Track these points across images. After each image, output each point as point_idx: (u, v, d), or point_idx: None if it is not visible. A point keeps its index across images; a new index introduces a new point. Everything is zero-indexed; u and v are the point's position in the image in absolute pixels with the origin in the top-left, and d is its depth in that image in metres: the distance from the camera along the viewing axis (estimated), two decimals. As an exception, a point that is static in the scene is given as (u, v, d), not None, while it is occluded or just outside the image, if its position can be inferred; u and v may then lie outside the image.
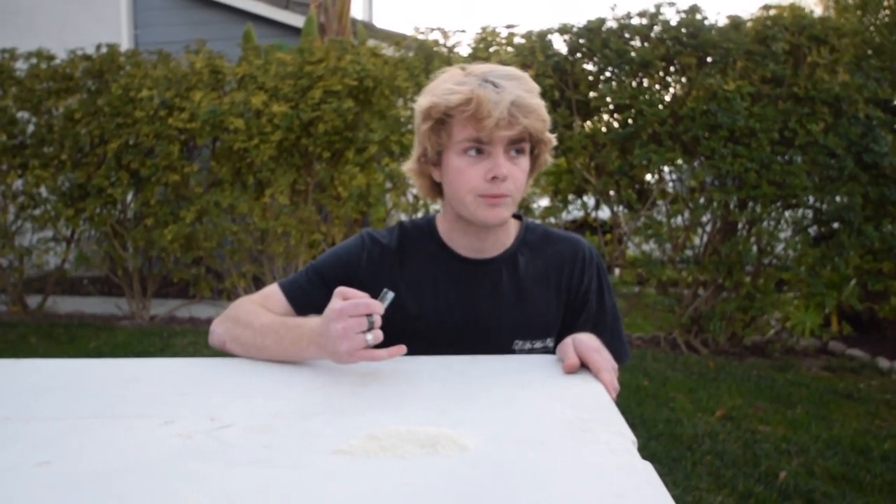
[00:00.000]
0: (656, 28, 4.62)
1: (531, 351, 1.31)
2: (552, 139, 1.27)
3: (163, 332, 5.20)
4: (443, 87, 1.21)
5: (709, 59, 4.55)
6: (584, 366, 1.12)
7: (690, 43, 4.50)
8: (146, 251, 5.58)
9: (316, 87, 4.83)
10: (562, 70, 4.66)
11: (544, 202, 5.06)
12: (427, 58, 4.86)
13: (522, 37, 4.88)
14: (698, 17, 4.58)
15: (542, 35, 4.81)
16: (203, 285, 5.45)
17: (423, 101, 1.23)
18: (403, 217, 4.96)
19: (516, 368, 1.17)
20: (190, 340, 4.92)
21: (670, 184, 5.01)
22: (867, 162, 4.39)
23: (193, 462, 0.79)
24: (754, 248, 4.67)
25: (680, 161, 4.56)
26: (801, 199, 4.53)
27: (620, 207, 4.94)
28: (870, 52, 4.73)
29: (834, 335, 4.91)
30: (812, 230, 4.84)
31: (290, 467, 0.78)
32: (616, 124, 4.74)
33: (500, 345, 1.30)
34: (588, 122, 4.82)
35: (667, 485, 0.74)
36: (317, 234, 5.03)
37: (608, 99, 4.59)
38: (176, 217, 5.23)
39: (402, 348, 1.09)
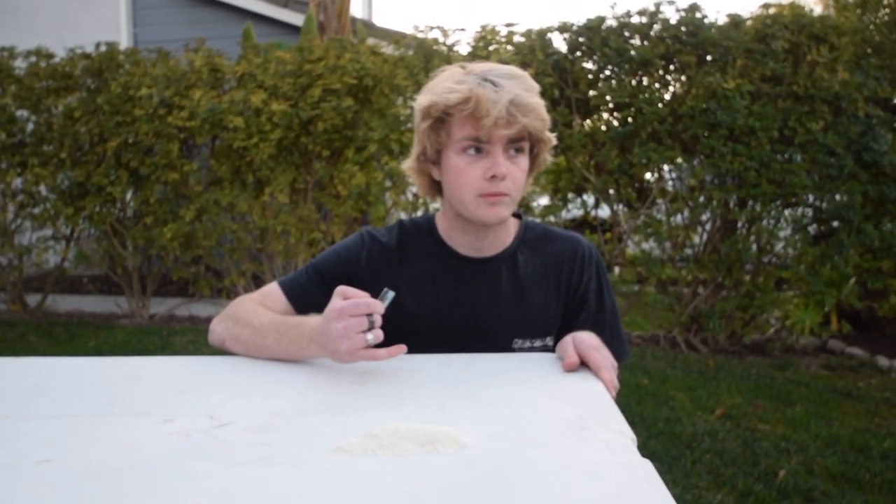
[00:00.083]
0: (656, 26, 4.62)
1: (530, 349, 1.31)
2: (551, 138, 1.26)
3: (162, 330, 5.20)
4: (442, 86, 1.21)
5: (708, 58, 4.55)
6: (583, 364, 1.12)
7: (690, 41, 4.50)
8: (146, 250, 5.57)
9: (315, 85, 4.83)
10: (561, 68, 4.66)
11: (544, 201, 5.07)
12: (426, 56, 4.86)
13: (522, 35, 4.88)
14: (698, 15, 4.58)
15: (542, 33, 4.80)
16: (202, 284, 5.45)
17: (422, 100, 1.23)
18: (403, 215, 4.96)
19: (516, 367, 1.17)
20: (189, 339, 4.92)
21: (670, 182, 5.01)
22: (867, 160, 4.39)
23: (193, 460, 0.79)
24: (754, 246, 4.67)
25: (679, 160, 4.56)
26: (800, 197, 4.53)
27: (620, 206, 4.94)
28: (869, 50, 4.73)
29: (833, 334, 4.91)
30: (812, 229, 4.84)
31: (290, 465, 0.78)
32: (616, 123, 4.74)
33: (499, 343, 1.30)
34: (588, 121, 4.82)
35: (666, 483, 0.74)
36: (316, 233, 5.03)
37: (608, 97, 4.59)
38: (175, 215, 5.22)
39: (403, 348, 1.09)
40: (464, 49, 4.93)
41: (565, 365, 1.12)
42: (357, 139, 4.83)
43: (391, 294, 1.10)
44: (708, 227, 4.85)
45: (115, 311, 5.82)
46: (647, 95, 4.48)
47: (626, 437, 0.87)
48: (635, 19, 4.66)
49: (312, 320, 1.15)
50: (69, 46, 5.66)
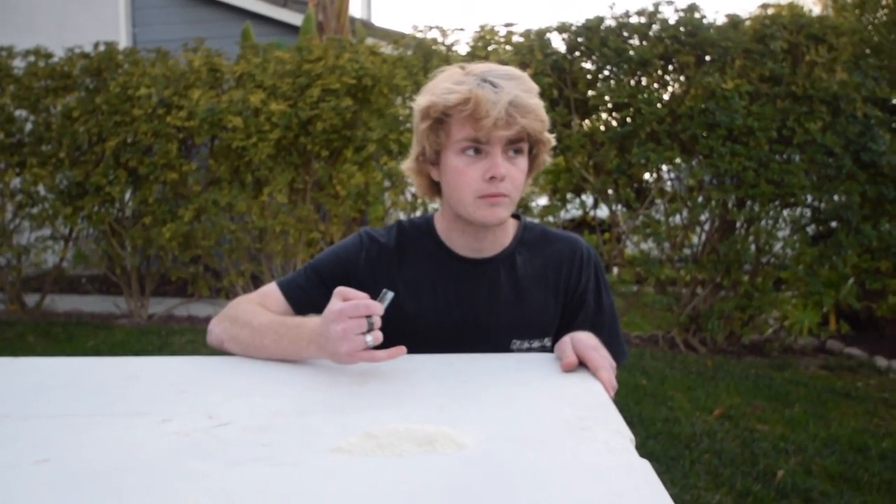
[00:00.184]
0: (655, 27, 4.62)
1: (529, 350, 1.32)
2: (550, 139, 1.26)
3: (161, 330, 5.19)
4: (441, 87, 1.21)
5: (707, 58, 4.55)
6: (582, 364, 1.12)
7: (689, 42, 4.51)
8: (144, 250, 5.57)
9: (314, 85, 4.83)
10: (560, 69, 4.66)
11: (543, 201, 5.07)
12: (425, 56, 4.86)
13: (521, 35, 4.88)
14: (697, 15, 4.58)
15: (541, 34, 4.81)
16: (201, 284, 5.44)
17: (421, 101, 1.23)
18: (402, 216, 4.96)
19: (515, 367, 1.17)
20: (188, 339, 4.92)
21: (669, 182, 5.02)
22: (865, 161, 4.39)
23: (192, 460, 0.79)
24: (752, 246, 4.67)
25: (678, 160, 4.56)
26: (799, 197, 4.53)
27: (619, 206, 4.94)
28: (868, 50, 4.74)
29: (832, 334, 4.92)
30: (810, 229, 4.85)
31: (289, 465, 0.78)
32: (614, 123, 4.74)
33: (498, 344, 1.30)
34: (586, 121, 4.82)
35: (665, 483, 0.74)
36: (315, 233, 5.03)
37: (607, 97, 4.60)
38: (174, 215, 5.22)
39: (402, 349, 1.09)
40: (462, 49, 4.93)
41: (564, 365, 1.12)
42: (356, 139, 4.83)
43: (390, 295, 1.10)
44: (706, 227, 4.86)
45: (114, 311, 5.82)
46: (645, 96, 4.48)
47: (624, 437, 0.87)
48: (634, 19, 4.67)
49: (312, 321, 1.14)
50: (68, 46, 5.66)
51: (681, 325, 4.78)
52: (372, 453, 0.81)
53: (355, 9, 8.75)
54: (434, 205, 4.35)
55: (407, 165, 1.33)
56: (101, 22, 7.89)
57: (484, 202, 1.22)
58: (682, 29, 4.54)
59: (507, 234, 1.35)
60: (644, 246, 4.84)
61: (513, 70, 1.22)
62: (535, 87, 1.22)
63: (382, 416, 0.92)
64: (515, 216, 1.39)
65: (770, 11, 4.70)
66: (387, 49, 5.22)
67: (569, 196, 4.99)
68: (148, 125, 5.14)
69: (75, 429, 0.89)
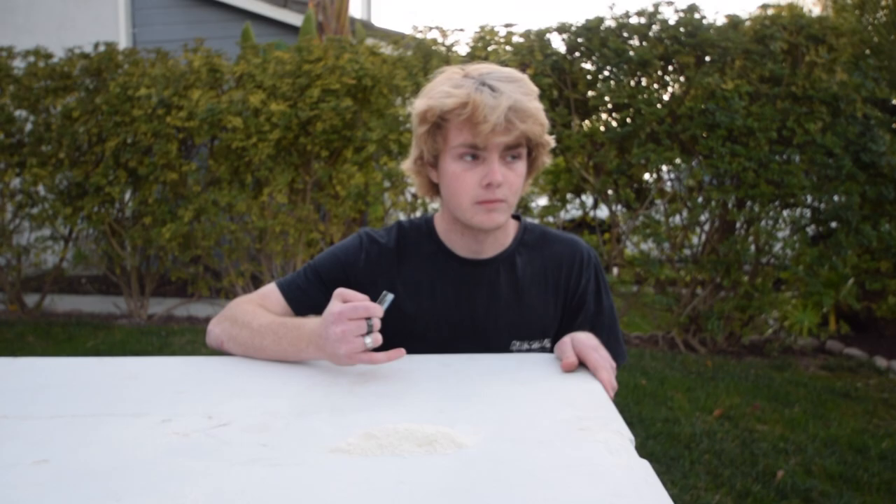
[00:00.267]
0: (655, 27, 4.62)
1: (529, 351, 1.31)
2: (550, 141, 1.26)
3: (161, 330, 5.19)
4: (439, 90, 1.20)
5: (707, 59, 4.55)
6: (582, 364, 1.12)
7: (689, 42, 4.51)
8: (144, 250, 5.57)
9: (314, 85, 4.83)
10: (560, 69, 4.66)
11: (542, 201, 5.07)
12: (425, 57, 4.86)
13: (521, 36, 4.88)
14: (696, 16, 4.58)
15: (541, 34, 4.81)
16: (201, 284, 5.45)
17: (419, 104, 1.23)
18: (402, 216, 4.97)
19: (514, 367, 1.17)
20: (188, 339, 4.92)
21: (668, 183, 5.02)
22: (865, 161, 4.39)
23: (191, 460, 0.79)
24: (752, 247, 4.67)
25: (678, 160, 4.56)
26: (798, 198, 4.53)
27: (619, 207, 4.94)
28: (868, 51, 4.74)
29: (832, 334, 4.92)
30: (810, 229, 4.85)
31: (288, 465, 0.78)
32: (614, 123, 4.74)
33: (497, 345, 1.30)
34: (586, 122, 4.82)
35: (664, 483, 0.74)
36: (315, 233, 5.03)
37: (606, 98, 4.60)
38: (174, 216, 5.22)
39: (402, 352, 1.09)
40: (462, 49, 4.93)
41: (564, 365, 1.12)
42: (356, 139, 4.83)
43: (390, 297, 1.10)
44: (706, 227, 4.86)
45: (114, 311, 5.82)
46: (645, 96, 4.48)
47: (624, 437, 0.87)
48: (634, 20, 4.67)
49: (311, 322, 1.14)
50: (68, 46, 5.66)
51: (681, 326, 4.78)
52: (372, 453, 0.81)
53: (355, 9, 8.76)
54: (434, 205, 4.35)
55: (406, 166, 1.33)
56: (101, 22, 7.89)
57: (481, 208, 1.22)
58: (681, 29, 4.54)
59: (508, 235, 1.35)
60: (644, 246, 4.85)
61: (513, 72, 1.21)
62: (536, 90, 1.21)
63: (382, 417, 0.92)
64: (516, 217, 1.38)
65: (770, 12, 4.70)
66: (387, 49, 5.22)
67: (569, 196, 4.99)
68: (148, 125, 5.15)
69: (74, 429, 0.89)
